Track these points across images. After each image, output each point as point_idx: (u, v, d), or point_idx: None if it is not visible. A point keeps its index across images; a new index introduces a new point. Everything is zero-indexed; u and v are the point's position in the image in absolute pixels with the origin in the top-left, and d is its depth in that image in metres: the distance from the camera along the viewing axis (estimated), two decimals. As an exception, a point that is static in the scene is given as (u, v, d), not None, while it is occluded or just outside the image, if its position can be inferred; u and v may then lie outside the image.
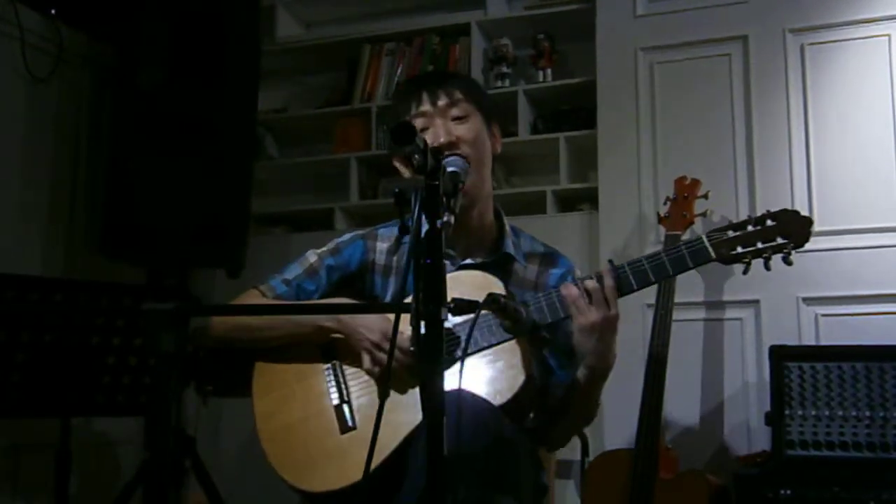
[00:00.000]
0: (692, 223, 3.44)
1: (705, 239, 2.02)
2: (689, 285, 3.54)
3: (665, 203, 3.51)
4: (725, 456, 3.53)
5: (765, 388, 3.30)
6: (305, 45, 4.77)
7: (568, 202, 4.20)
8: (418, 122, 2.19)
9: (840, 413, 3.00)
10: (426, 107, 2.20)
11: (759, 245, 2.00)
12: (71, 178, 4.16)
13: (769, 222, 2.01)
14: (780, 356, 3.11)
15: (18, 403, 2.95)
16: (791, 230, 2.00)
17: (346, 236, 2.37)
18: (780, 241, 1.99)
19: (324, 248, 2.35)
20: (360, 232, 2.38)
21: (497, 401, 1.97)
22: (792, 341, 3.43)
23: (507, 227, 2.31)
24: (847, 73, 3.65)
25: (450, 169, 1.68)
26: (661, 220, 3.48)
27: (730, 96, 3.80)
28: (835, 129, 3.63)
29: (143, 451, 3.57)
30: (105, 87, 4.17)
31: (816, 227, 3.49)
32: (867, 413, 2.97)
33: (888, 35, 3.61)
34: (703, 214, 3.45)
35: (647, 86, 3.93)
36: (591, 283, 2.02)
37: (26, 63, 3.91)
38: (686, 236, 3.46)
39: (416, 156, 1.55)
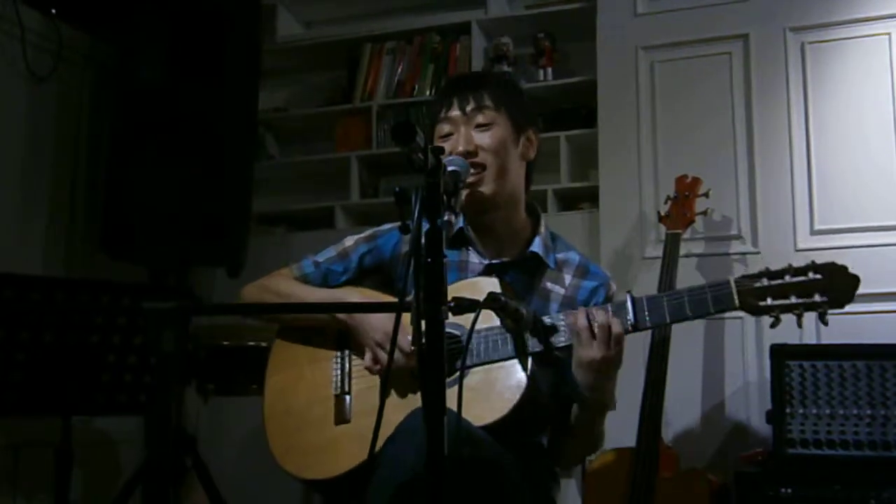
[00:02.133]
0: (693, 222, 3.44)
1: (733, 284, 1.89)
2: (690, 283, 3.53)
3: (666, 202, 3.50)
4: (726, 454, 3.53)
5: (765, 386, 3.30)
6: (306, 44, 4.77)
7: (568, 201, 4.20)
8: (445, 127, 2.23)
9: (841, 411, 3.00)
10: (454, 112, 2.22)
11: (793, 300, 1.84)
12: (71, 177, 4.16)
13: (812, 275, 1.84)
14: (781, 355, 3.10)
15: (19, 402, 2.95)
16: (832, 288, 1.82)
17: (386, 226, 2.40)
18: (818, 298, 1.82)
19: (361, 235, 2.39)
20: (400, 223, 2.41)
21: (486, 420, 1.95)
22: (793, 340, 3.42)
23: (543, 230, 2.29)
24: (847, 72, 3.64)
25: (450, 168, 1.68)
26: (661, 218, 3.48)
27: (730, 95, 3.80)
28: (835, 127, 3.63)
29: (144, 450, 3.57)
30: (105, 86, 4.17)
31: (817, 226, 3.56)
32: (868, 411, 2.97)
33: (888, 34, 3.61)
34: (704, 213, 3.45)
35: (647, 84, 3.93)
36: (599, 317, 1.94)
37: (27, 62, 3.91)
38: (687, 235, 3.47)
39: (418, 154, 1.55)
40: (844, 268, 1.85)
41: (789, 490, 2.94)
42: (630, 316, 1.97)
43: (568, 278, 2.26)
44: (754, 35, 3.78)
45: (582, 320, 1.96)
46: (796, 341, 3.43)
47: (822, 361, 3.04)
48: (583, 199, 4.13)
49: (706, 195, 3.45)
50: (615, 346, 1.95)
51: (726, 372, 3.62)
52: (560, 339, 2.01)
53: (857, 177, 3.57)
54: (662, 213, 3.49)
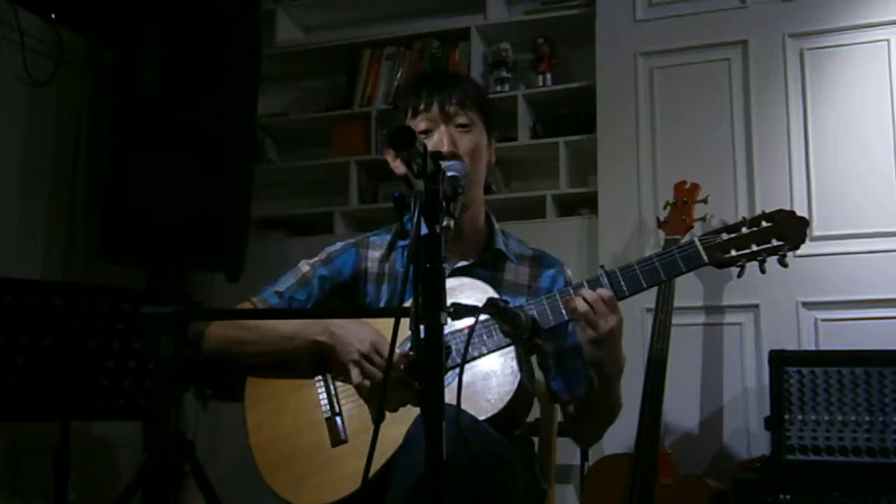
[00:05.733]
0: (692, 227, 3.44)
1: (698, 242, 2.00)
2: (688, 289, 3.54)
3: (665, 207, 3.51)
4: (725, 461, 3.53)
5: (764, 392, 3.30)
6: (305, 50, 4.78)
7: (568, 207, 4.20)
8: (422, 123, 2.19)
9: (839, 418, 3.00)
10: (434, 109, 2.19)
11: (754, 247, 1.96)
12: (70, 182, 4.17)
13: (764, 223, 1.97)
14: (780, 361, 3.10)
15: (18, 407, 2.95)
16: (787, 231, 1.96)
17: (338, 245, 2.36)
18: (775, 242, 1.96)
19: (316, 258, 2.34)
20: (352, 241, 2.36)
21: (487, 413, 1.96)
22: (791, 346, 3.43)
23: (497, 228, 2.31)
24: (846, 78, 3.65)
25: (450, 173, 1.66)
26: (660, 224, 3.48)
27: (729, 101, 3.80)
28: (834, 133, 3.63)
29: (143, 455, 3.57)
30: (105, 90, 4.17)
31: (816, 232, 3.55)
32: (867, 418, 2.97)
33: (887, 40, 3.61)
34: (703, 219, 3.45)
35: (646, 90, 3.93)
36: (591, 295, 1.98)
37: (27, 67, 3.92)
38: (685, 241, 3.46)
39: (417, 159, 1.54)
40: (792, 212, 1.99)
41: (788, 496, 2.94)
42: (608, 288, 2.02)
43: (526, 269, 2.28)
44: (753, 41, 3.79)
45: (581, 304, 1.99)
46: (795, 347, 3.46)
47: (821, 368, 3.04)
48: (582, 204, 4.13)
49: (705, 201, 3.45)
50: (615, 312, 1.99)
51: (725, 378, 3.62)
52: (551, 321, 2.04)
53: (855, 183, 3.57)
54: (661, 219, 3.49)
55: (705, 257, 1.99)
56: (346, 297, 2.31)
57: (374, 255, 2.31)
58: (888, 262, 3.47)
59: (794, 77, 3.71)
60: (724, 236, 1.99)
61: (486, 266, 2.24)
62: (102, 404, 3.10)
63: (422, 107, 2.20)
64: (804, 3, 3.74)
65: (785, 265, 1.96)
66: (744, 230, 1.98)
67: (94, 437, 3.99)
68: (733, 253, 1.97)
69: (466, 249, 2.26)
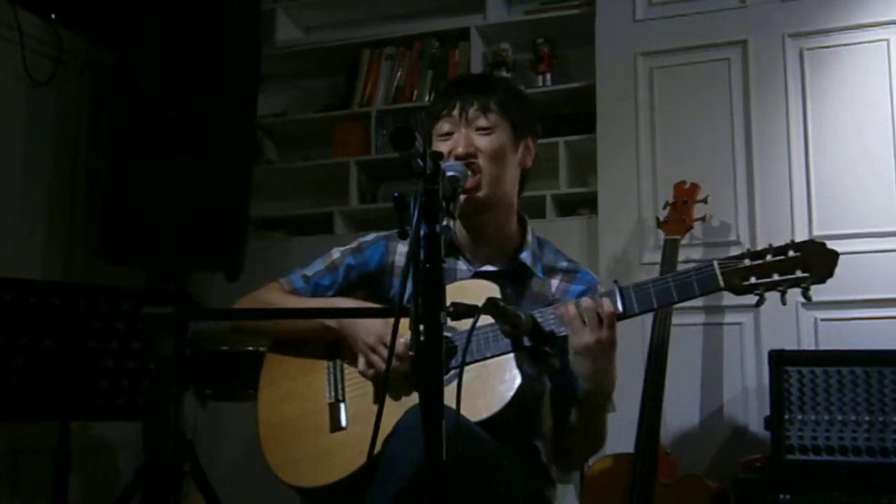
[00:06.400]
0: (691, 227, 3.44)
1: (717, 266, 1.94)
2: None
3: (664, 207, 3.51)
4: (725, 461, 3.52)
5: (764, 392, 3.30)
6: (305, 50, 4.78)
7: (567, 207, 4.20)
8: (445, 126, 2.23)
9: (839, 418, 2.99)
10: (455, 113, 2.22)
11: (776, 277, 1.89)
12: (70, 182, 4.17)
13: (791, 253, 1.89)
14: (780, 361, 3.10)
15: (17, 408, 2.95)
16: (814, 264, 1.87)
17: (371, 236, 2.39)
18: (799, 274, 1.87)
19: (347, 247, 2.38)
20: (385, 233, 2.40)
21: (483, 415, 1.96)
22: (791, 346, 3.43)
23: (530, 238, 2.30)
24: (846, 78, 3.65)
25: (449, 173, 1.67)
26: (660, 224, 3.49)
27: (729, 101, 3.80)
28: (834, 133, 3.63)
29: (142, 455, 3.57)
30: (105, 90, 4.18)
31: (816, 232, 3.56)
32: (866, 418, 2.97)
33: (887, 40, 3.61)
34: (703, 219, 3.45)
35: (646, 90, 3.93)
36: (587, 303, 1.98)
37: (26, 67, 3.92)
38: (685, 241, 3.47)
39: (417, 160, 1.55)
40: (822, 244, 1.90)
41: (788, 496, 2.94)
42: (619, 304, 2.00)
43: (555, 283, 2.28)
44: (753, 41, 3.79)
45: (571, 309, 1.99)
46: (795, 347, 3.45)
47: (821, 367, 3.04)
48: (582, 204, 4.13)
49: (705, 201, 3.45)
50: (607, 328, 1.98)
51: (725, 378, 3.62)
52: (559, 331, 2.03)
53: (855, 182, 3.57)
54: (661, 219, 3.49)
55: (722, 282, 1.93)
56: (371, 288, 2.35)
57: (403, 249, 2.33)
58: (888, 262, 3.47)
59: (793, 77, 3.71)
60: (746, 262, 1.92)
61: (511, 276, 2.24)
62: (102, 404, 3.09)
63: (444, 111, 2.25)
64: (804, 3, 3.74)
65: (808, 298, 1.88)
66: (768, 258, 1.91)
67: (94, 437, 3.99)
68: (753, 280, 1.91)
69: (492, 255, 2.27)
